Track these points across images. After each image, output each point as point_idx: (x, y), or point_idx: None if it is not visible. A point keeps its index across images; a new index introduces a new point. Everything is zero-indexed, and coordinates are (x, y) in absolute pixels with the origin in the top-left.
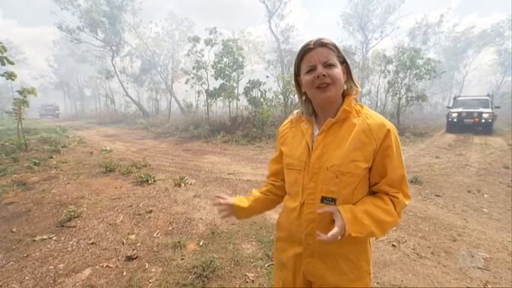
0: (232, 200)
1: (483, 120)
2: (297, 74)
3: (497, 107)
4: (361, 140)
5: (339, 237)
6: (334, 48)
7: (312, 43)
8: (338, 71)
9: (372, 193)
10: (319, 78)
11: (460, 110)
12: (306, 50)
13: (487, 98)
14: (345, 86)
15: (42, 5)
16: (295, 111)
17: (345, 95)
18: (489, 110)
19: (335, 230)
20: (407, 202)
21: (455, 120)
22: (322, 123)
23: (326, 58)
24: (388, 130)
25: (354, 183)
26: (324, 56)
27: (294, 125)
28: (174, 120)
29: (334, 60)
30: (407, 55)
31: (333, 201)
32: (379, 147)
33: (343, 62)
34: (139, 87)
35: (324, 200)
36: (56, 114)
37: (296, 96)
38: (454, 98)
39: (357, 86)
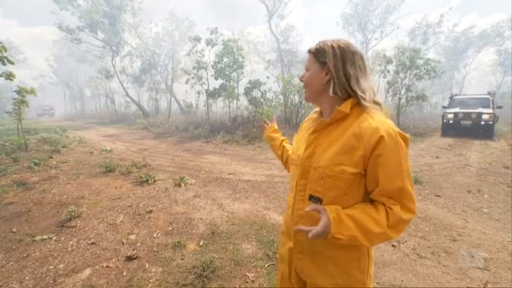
0: (273, 129)
1: (483, 122)
2: None
3: (499, 107)
4: (351, 144)
5: (324, 236)
6: (315, 52)
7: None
8: (308, 74)
9: (371, 201)
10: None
11: (456, 110)
12: None
13: (488, 96)
14: (331, 87)
15: (42, 5)
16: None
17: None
18: (490, 111)
19: (318, 228)
20: (404, 216)
21: (451, 121)
22: None
23: (306, 63)
24: (381, 137)
25: (341, 187)
26: (307, 61)
27: (306, 124)
28: (174, 120)
29: (310, 64)
30: (407, 55)
31: (319, 200)
32: (370, 154)
33: (324, 63)
34: (139, 87)
35: (311, 198)
36: (52, 113)
37: (295, 96)
38: (451, 97)
39: (353, 91)
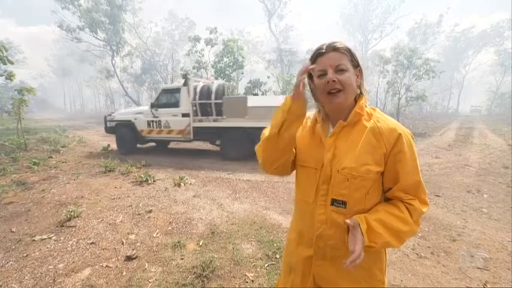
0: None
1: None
2: (310, 77)
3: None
4: (371, 144)
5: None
6: (347, 52)
7: (324, 47)
8: (349, 75)
9: (387, 199)
10: (329, 83)
11: (128, 112)
12: (318, 54)
13: (178, 86)
14: (358, 90)
15: (40, 4)
16: (309, 113)
17: (357, 98)
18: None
19: (358, 249)
20: (424, 209)
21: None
22: (335, 125)
23: (338, 62)
24: (400, 134)
25: (366, 186)
26: (335, 60)
27: (310, 125)
28: None
29: (346, 64)
30: (405, 55)
31: (343, 204)
32: (390, 151)
33: (357, 66)
34: (139, 87)
35: (334, 202)
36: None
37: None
38: (163, 89)
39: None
